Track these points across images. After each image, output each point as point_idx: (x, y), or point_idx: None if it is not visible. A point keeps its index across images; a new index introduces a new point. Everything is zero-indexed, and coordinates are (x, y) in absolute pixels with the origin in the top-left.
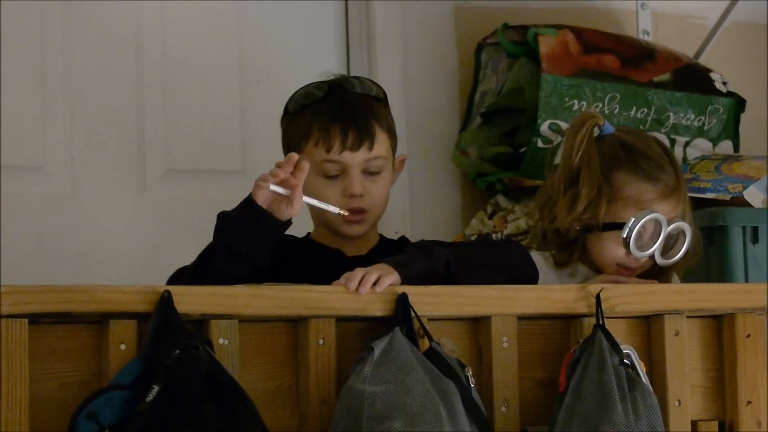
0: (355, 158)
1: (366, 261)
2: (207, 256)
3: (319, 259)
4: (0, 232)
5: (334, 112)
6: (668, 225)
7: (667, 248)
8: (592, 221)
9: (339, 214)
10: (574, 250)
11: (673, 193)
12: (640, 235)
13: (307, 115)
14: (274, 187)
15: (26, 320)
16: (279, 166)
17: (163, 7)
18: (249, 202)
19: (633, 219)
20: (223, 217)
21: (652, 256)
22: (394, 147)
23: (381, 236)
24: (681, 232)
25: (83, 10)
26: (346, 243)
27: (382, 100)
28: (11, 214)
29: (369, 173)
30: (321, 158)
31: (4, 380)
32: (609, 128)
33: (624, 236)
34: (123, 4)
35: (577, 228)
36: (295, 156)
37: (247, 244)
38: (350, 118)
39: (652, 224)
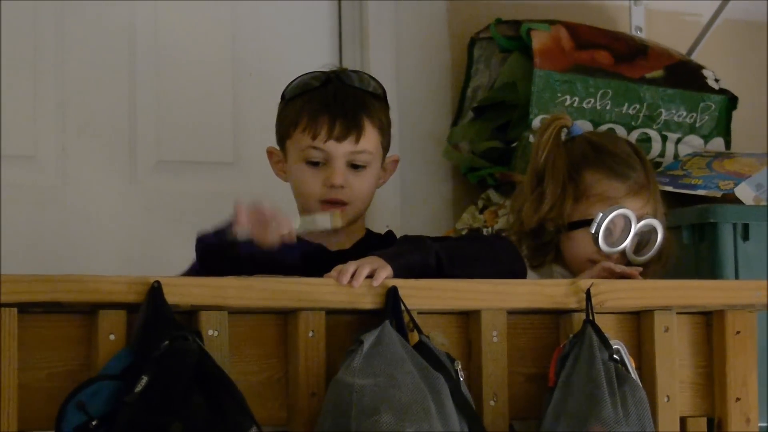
0: (340, 149)
1: (350, 255)
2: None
3: (301, 255)
4: None
5: (325, 102)
6: (638, 221)
7: (641, 246)
8: (559, 221)
9: (329, 216)
10: (548, 252)
11: (642, 190)
12: (609, 231)
13: (299, 102)
14: (241, 233)
15: (15, 309)
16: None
17: None
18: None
19: (601, 214)
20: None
21: (623, 252)
22: (385, 145)
23: (368, 230)
24: (653, 230)
25: (76, 1)
26: (329, 237)
27: (379, 96)
28: (2, 203)
29: (353, 166)
30: (306, 144)
31: None
32: (578, 129)
33: (592, 232)
34: None
35: (551, 229)
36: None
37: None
38: (340, 108)
39: (621, 220)
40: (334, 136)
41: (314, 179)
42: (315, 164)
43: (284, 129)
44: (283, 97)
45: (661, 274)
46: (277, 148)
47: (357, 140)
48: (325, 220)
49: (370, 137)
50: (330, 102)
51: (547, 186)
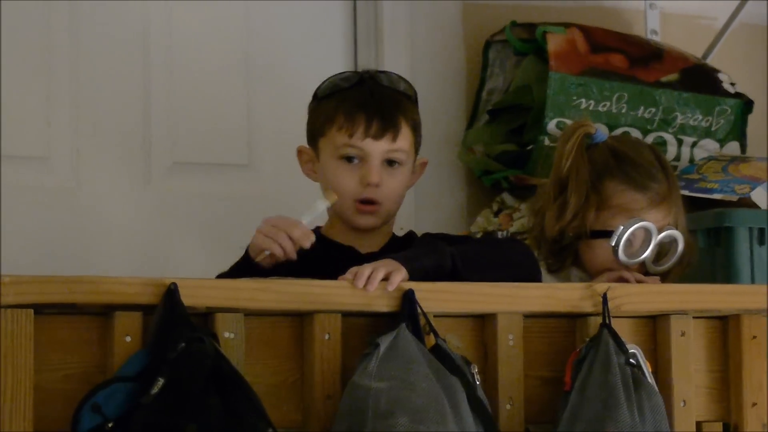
0: (377, 147)
1: (380, 258)
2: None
3: (332, 256)
4: (4, 223)
5: (361, 100)
6: (659, 233)
7: (661, 255)
8: (580, 229)
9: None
10: (566, 256)
11: (663, 202)
12: (630, 242)
13: (334, 101)
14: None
15: (31, 310)
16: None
17: None
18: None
19: (621, 227)
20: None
21: (642, 264)
22: (417, 145)
23: (393, 234)
24: (673, 240)
25: (90, 1)
26: (360, 239)
27: (410, 97)
28: (16, 204)
29: (389, 164)
30: (342, 142)
31: (8, 371)
32: (601, 136)
33: (612, 244)
34: None
35: (570, 234)
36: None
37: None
38: (377, 107)
39: (642, 232)
40: (372, 134)
41: (350, 177)
42: (350, 161)
43: (318, 127)
44: (315, 96)
45: (680, 277)
46: (308, 147)
47: (394, 138)
48: (321, 202)
49: (405, 136)
50: (367, 101)
51: (571, 196)
